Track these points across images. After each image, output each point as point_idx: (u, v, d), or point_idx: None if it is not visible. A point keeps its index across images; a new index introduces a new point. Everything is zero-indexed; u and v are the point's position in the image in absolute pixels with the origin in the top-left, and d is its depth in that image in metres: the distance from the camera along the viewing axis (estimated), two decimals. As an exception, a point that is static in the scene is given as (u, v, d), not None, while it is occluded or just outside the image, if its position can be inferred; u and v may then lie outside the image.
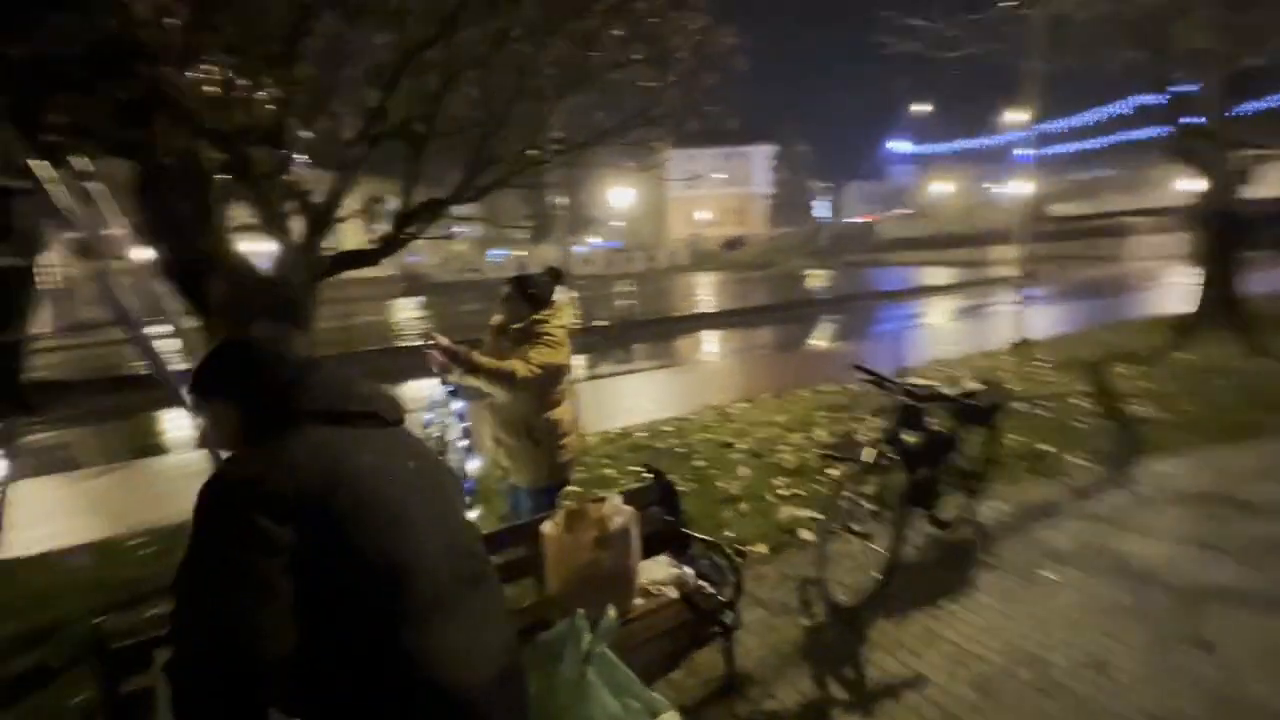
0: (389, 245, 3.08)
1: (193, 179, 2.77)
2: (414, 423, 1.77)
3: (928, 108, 59.84)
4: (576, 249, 57.04)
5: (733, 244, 53.15)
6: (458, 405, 2.63)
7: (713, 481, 4.51)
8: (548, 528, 2.29)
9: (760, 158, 54.49)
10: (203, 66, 2.89)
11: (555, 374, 2.69)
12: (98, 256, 2.53)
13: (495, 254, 56.87)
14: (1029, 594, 3.02)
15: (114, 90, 2.43)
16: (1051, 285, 19.30)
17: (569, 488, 2.89)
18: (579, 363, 13.82)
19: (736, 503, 4.13)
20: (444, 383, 2.59)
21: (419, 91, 3.28)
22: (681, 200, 55.81)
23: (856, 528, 3.08)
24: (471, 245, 59.40)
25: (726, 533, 3.67)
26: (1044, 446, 4.83)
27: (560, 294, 2.81)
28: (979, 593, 3.05)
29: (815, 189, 58.63)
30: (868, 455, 3.04)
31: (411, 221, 3.02)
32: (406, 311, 27.06)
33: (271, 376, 1.19)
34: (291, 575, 1.00)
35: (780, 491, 4.27)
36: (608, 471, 4.89)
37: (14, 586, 3.69)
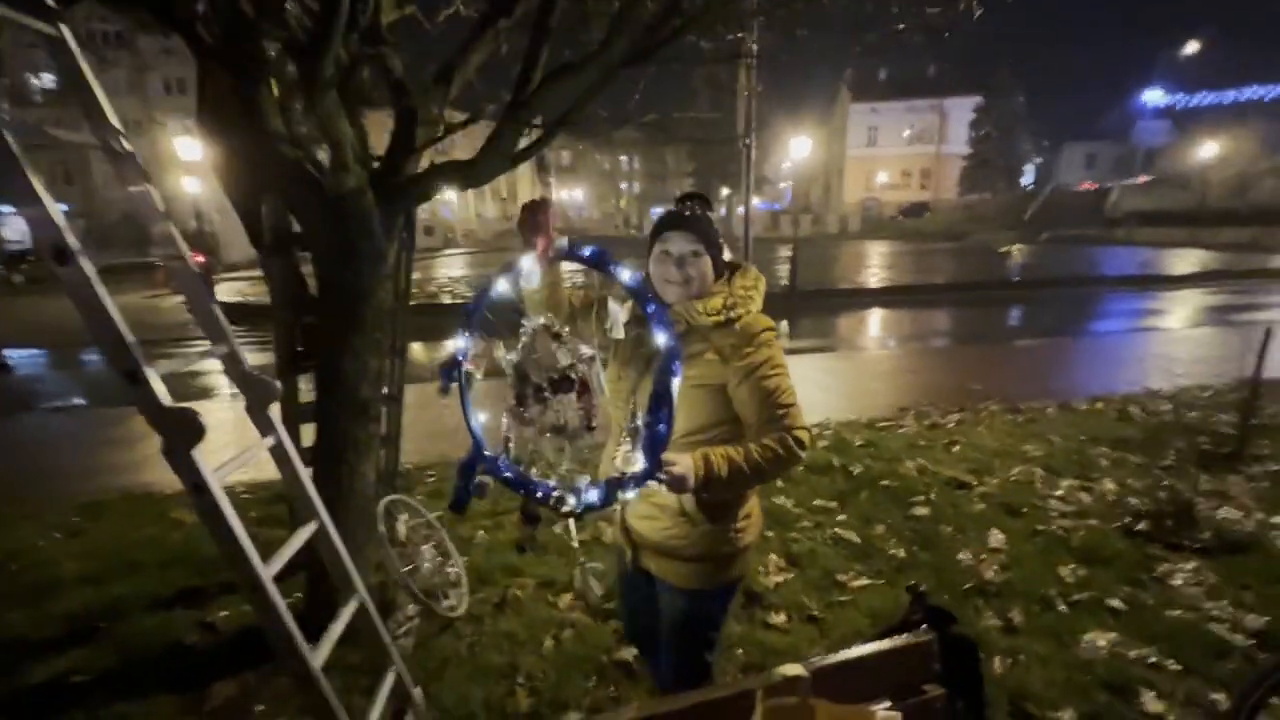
0: (496, 149, 1.91)
1: (250, 68, 1.81)
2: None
3: (1192, 47, 47.22)
4: (739, 209, 54.38)
5: (913, 210, 47.06)
6: (627, 276, 1.23)
7: (948, 549, 2.99)
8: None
9: (959, 112, 47.05)
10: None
11: None
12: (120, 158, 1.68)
13: (657, 211, 56.17)
14: None
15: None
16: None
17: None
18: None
19: (995, 599, 2.59)
20: (567, 250, 1.33)
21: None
22: (859, 160, 50.44)
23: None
24: (631, 201, 59.41)
25: (993, 662, 2.20)
26: None
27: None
28: None
29: (1027, 151, 49.45)
30: None
31: (521, 113, 1.80)
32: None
33: None
34: None
35: (1069, 588, 2.65)
36: (782, 501, 3.55)
37: (117, 527, 3.27)
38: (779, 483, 3.78)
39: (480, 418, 1.43)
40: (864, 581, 2.71)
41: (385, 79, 2.12)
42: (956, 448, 4.34)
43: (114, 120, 1.69)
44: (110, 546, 3.29)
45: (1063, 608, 2.52)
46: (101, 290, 1.37)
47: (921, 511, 3.35)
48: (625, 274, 1.23)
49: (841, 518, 3.33)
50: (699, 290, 1.42)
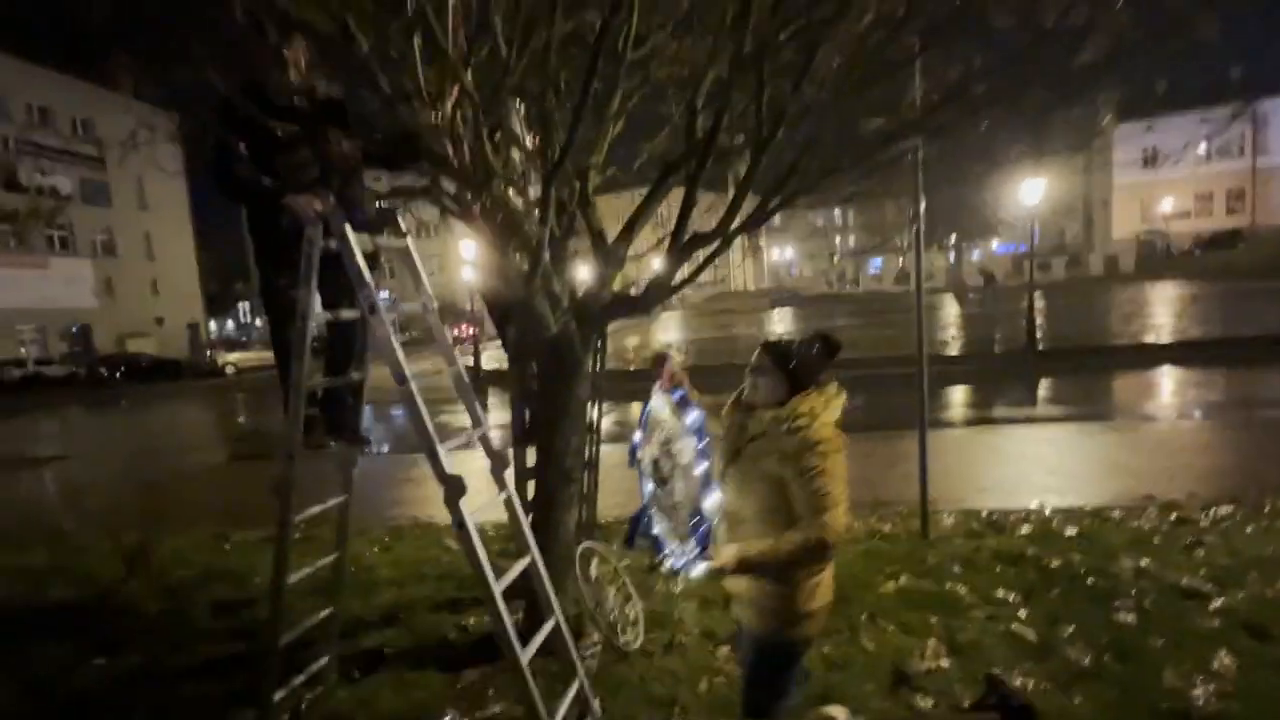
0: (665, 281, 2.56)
1: (503, 240, 2.78)
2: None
3: None
4: (975, 254, 49.09)
5: (1218, 241, 37.65)
6: (692, 418, 1.93)
7: (1152, 664, 2.67)
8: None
9: (1282, 115, 37.11)
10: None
11: None
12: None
13: (876, 262, 53.77)
14: None
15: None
16: None
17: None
18: (955, 399, 11.14)
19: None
20: (671, 389, 2.02)
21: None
22: (1131, 187, 42.39)
23: None
24: (846, 257, 57.60)
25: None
26: None
27: (830, 377, 1.87)
28: None
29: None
30: None
31: (716, 239, 2.38)
32: (780, 324, 27.30)
33: None
34: None
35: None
36: (954, 587, 3.46)
37: (397, 551, 4.60)
38: (956, 568, 3.66)
39: (648, 486, 2.15)
40: (1028, 683, 2.59)
41: (587, 228, 2.94)
42: (1201, 550, 3.68)
43: (428, 289, 2.71)
44: (407, 560, 4.56)
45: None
46: (420, 401, 2.27)
47: (1126, 618, 3.00)
48: (692, 415, 1.93)
49: (1022, 613, 3.14)
50: (764, 399, 1.84)
